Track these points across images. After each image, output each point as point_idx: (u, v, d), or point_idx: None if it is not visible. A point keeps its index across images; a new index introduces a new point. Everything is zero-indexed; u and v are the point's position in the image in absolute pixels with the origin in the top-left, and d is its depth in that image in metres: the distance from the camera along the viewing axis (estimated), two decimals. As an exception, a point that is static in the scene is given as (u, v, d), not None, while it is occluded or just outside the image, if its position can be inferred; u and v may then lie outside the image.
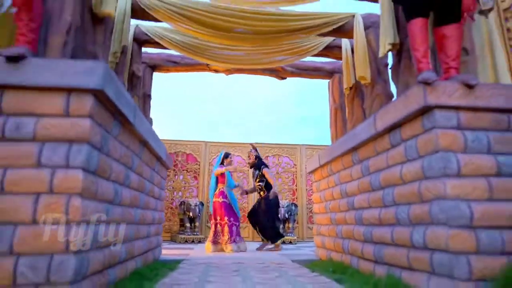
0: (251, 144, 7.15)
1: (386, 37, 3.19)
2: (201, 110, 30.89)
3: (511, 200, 2.24)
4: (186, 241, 7.92)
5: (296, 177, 10.14)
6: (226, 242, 5.81)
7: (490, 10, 2.62)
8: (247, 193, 6.89)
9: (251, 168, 6.85)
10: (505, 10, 3.13)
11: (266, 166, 6.62)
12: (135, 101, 4.42)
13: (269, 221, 6.28)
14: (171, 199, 9.18)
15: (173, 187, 9.31)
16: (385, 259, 2.90)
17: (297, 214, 9.17)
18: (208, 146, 9.90)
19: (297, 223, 9.46)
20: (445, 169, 2.23)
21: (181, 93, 30.60)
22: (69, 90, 2.03)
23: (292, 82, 5.82)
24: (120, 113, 2.44)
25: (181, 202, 8.50)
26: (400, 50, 3.30)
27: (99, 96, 2.10)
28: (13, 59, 1.96)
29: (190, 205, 8.19)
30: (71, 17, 2.36)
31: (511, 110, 2.34)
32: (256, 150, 6.76)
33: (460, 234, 2.13)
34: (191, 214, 8.13)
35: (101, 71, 2.05)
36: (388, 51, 3.27)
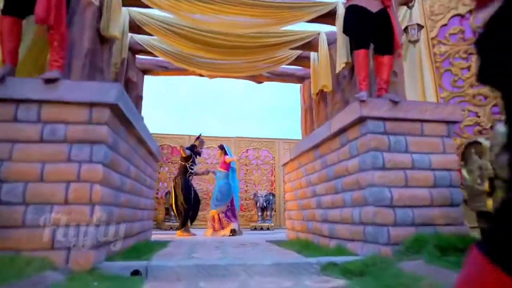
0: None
1: (341, 57, 3.94)
2: (182, 101, 31.08)
3: (421, 187, 3.05)
4: (171, 228, 8.60)
5: (274, 169, 10.92)
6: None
7: (416, 41, 3.40)
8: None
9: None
10: (433, 38, 3.92)
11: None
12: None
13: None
14: (157, 190, 9.79)
15: (158, 178, 9.91)
16: (336, 235, 3.68)
17: (274, 203, 9.97)
18: (192, 139, 10.53)
19: (275, 211, 10.27)
20: (374, 164, 3.01)
21: (163, 87, 30.79)
22: (91, 104, 2.69)
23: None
24: (127, 119, 3.11)
25: (166, 192, 9.14)
26: (353, 66, 4.06)
27: (114, 108, 2.77)
28: (50, 81, 2.60)
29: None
30: (88, 44, 3.00)
31: (423, 120, 3.14)
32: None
33: (382, 212, 2.92)
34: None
35: (116, 90, 2.71)
36: (342, 68, 4.02)
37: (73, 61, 2.95)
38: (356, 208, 3.25)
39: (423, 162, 3.09)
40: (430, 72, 3.81)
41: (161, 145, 10.15)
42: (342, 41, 3.95)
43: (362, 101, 3.05)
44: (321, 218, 4.10)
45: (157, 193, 9.74)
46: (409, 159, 3.07)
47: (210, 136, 10.59)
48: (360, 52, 3.27)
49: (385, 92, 3.25)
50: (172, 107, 30.72)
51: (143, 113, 6.15)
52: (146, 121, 5.07)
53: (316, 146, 4.36)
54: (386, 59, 3.25)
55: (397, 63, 3.46)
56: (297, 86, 6.57)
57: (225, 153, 7.38)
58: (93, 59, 3.22)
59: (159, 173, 9.90)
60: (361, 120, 3.13)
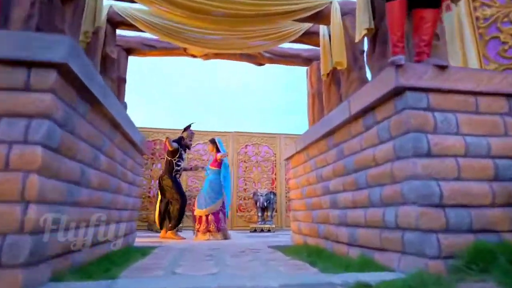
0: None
1: (362, 23, 3.19)
2: (179, 96, 30.07)
3: (478, 179, 2.29)
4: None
5: (275, 166, 10.17)
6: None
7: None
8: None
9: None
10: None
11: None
12: (109, 84, 4.28)
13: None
14: (149, 188, 9.04)
15: (151, 176, 9.16)
16: (359, 241, 2.92)
17: (276, 203, 9.22)
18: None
19: (276, 211, 9.52)
20: (415, 149, 2.25)
21: (157, 79, 29.73)
22: (30, 64, 1.92)
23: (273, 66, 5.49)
24: (87, 90, 2.34)
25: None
26: (375, 35, 3.31)
27: (63, 70, 2.01)
28: (-33, 28, 1.85)
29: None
30: (35, -11, 2.25)
31: (479, 93, 2.38)
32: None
33: (429, 213, 2.16)
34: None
35: (66, 44, 1.95)
36: (363, 36, 3.27)
37: (12, 10, 2.19)
38: (389, 208, 2.49)
39: (479, 147, 2.34)
40: (472, 40, 3.07)
41: (153, 140, 9.42)
42: (363, 3, 3.20)
43: (399, 66, 2.29)
44: (338, 220, 3.34)
45: (149, 192, 9.00)
46: (462, 143, 2.31)
47: (207, 131, 9.83)
48: (395, 4, 2.51)
49: (427, 57, 2.50)
50: (168, 100, 29.89)
51: (132, 102, 5.39)
52: (140, 114, 4.32)
53: (329, 134, 3.61)
54: (430, 13, 2.49)
55: (438, 23, 2.71)
56: (303, 75, 5.81)
57: (217, 149, 6.43)
58: (47, 15, 2.46)
59: (151, 170, 9.17)
60: (396, 92, 2.37)
